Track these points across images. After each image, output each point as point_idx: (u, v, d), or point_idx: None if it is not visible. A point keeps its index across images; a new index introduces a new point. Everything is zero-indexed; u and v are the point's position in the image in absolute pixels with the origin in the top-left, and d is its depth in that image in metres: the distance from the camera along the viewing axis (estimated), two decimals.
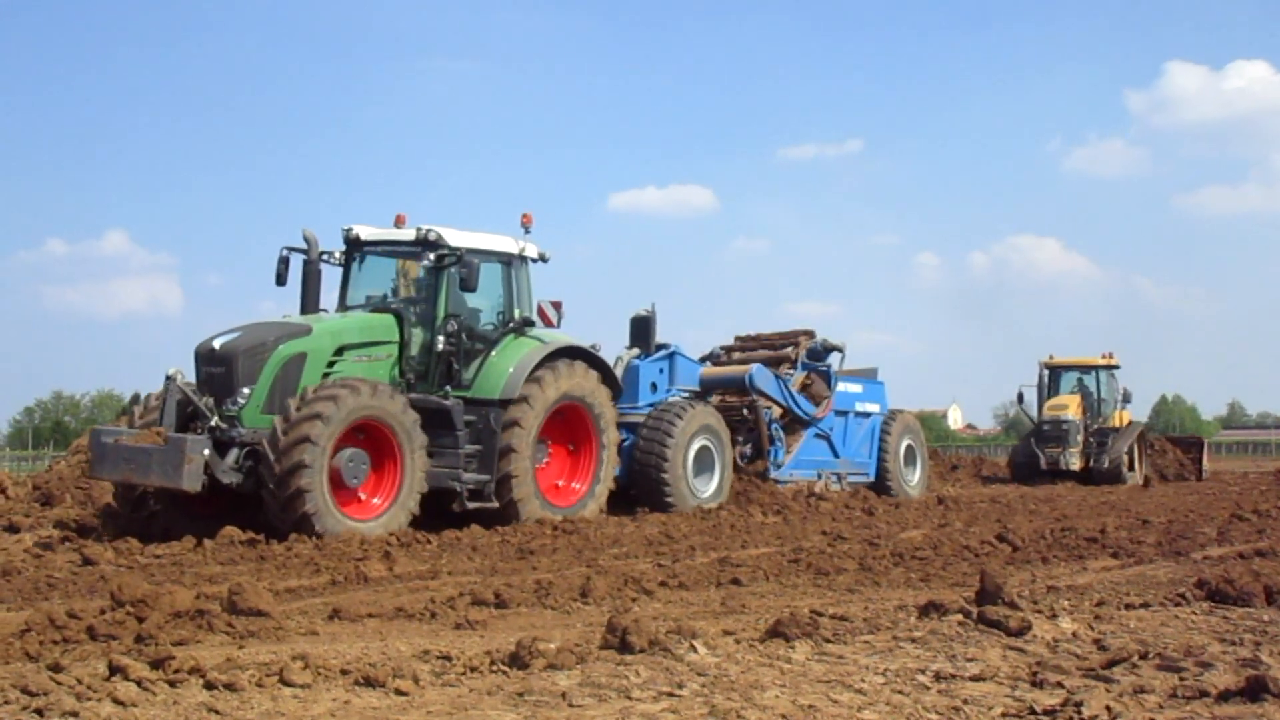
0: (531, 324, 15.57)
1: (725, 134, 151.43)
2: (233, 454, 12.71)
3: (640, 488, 17.24)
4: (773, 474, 19.46)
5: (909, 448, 22.58)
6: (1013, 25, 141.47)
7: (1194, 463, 31.10)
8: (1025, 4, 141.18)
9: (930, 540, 12.64)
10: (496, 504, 14.52)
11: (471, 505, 14.36)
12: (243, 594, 7.89)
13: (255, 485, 12.71)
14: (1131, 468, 28.77)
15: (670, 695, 5.03)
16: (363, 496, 13.34)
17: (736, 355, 21.96)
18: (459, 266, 14.40)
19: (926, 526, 14.83)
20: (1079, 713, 4.64)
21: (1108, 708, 4.68)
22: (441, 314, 14.66)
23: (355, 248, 15.44)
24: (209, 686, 5.20)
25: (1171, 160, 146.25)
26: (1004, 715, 4.69)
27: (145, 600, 7.75)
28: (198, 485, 12.26)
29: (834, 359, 21.45)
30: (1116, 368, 30.99)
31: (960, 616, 6.69)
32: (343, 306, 15.36)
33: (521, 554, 11.91)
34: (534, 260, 16.07)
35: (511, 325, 15.41)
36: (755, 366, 19.72)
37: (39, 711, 4.71)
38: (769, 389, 19.67)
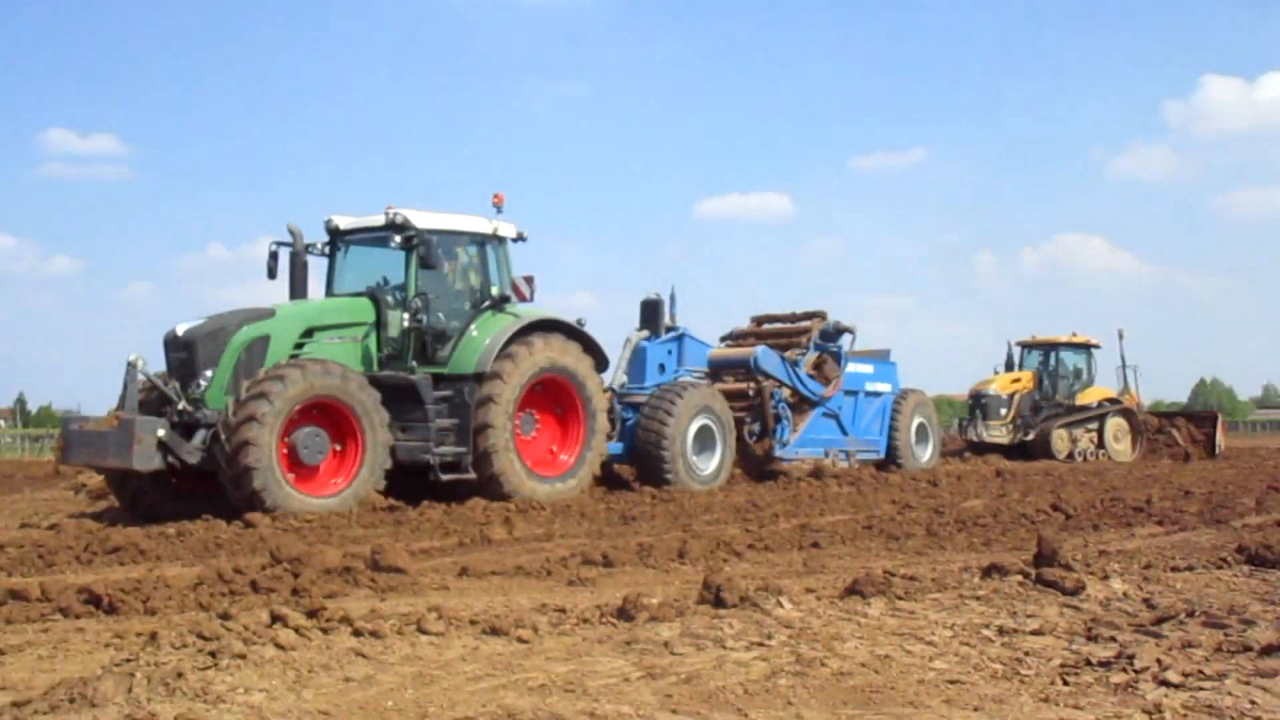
0: (508, 300, 14.50)
1: (801, 145, 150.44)
2: (199, 435, 11.99)
3: (640, 465, 16.34)
4: (778, 452, 18.42)
5: (921, 425, 21.33)
6: (1059, 44, 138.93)
7: (1206, 438, 27.76)
8: (1071, 24, 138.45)
9: (990, 509, 12.46)
10: (474, 476, 13.59)
11: (446, 477, 13.51)
12: (384, 553, 7.99)
13: (215, 464, 11.93)
14: (1077, 442, 26.89)
15: (760, 645, 5.01)
16: (320, 476, 12.41)
17: (752, 337, 20.81)
18: (419, 246, 13.56)
19: (986, 496, 14.61)
20: (1131, 664, 4.55)
21: (1158, 660, 4.58)
22: (411, 293, 13.71)
23: (337, 237, 14.58)
24: (356, 634, 5.27)
25: (1207, 165, 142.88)
26: (1062, 666, 4.61)
27: (300, 558, 7.91)
28: (150, 465, 11.66)
29: (845, 340, 20.14)
30: (1095, 347, 28.96)
31: (1020, 577, 6.59)
32: (329, 294, 14.49)
33: (624, 520, 11.94)
34: (514, 240, 15.00)
35: (488, 303, 14.42)
36: (760, 349, 18.60)
37: (212, 654, 4.80)
38: (774, 370, 18.54)
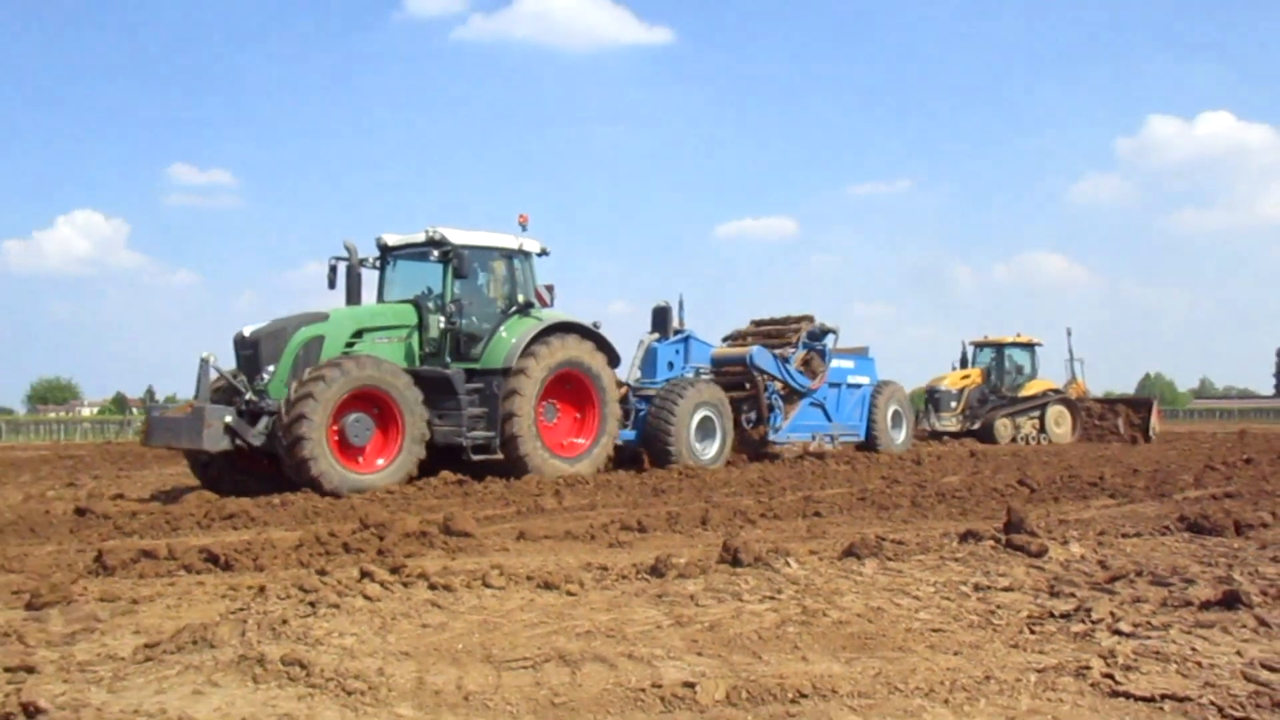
0: (532, 305, 14.33)
1: (805, 176, 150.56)
2: (263, 421, 11.92)
3: (650, 449, 16.03)
4: (772, 436, 18.14)
5: (896, 412, 20.91)
6: (1026, 89, 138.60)
7: (1143, 422, 26.67)
8: (1035, 72, 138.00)
9: (966, 484, 12.34)
10: (501, 456, 13.46)
11: (477, 458, 13.33)
12: (454, 520, 8.01)
13: (275, 445, 11.85)
14: (1020, 429, 26.25)
15: (771, 598, 4.99)
16: (367, 455, 12.29)
17: (750, 336, 20.42)
18: (453, 258, 13.42)
19: (962, 474, 14.48)
20: (1089, 616, 4.49)
21: (1111, 613, 4.53)
22: (447, 299, 13.58)
23: (386, 253, 14.40)
24: (432, 587, 5.29)
25: (1153, 191, 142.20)
26: (1029, 617, 4.57)
27: (384, 524, 7.94)
28: (218, 446, 11.66)
29: (829, 339, 19.76)
30: (1036, 345, 28.15)
31: (992, 542, 6.53)
32: (380, 301, 14.28)
33: (656, 493, 11.90)
34: (538, 254, 14.82)
35: (514, 308, 14.21)
36: (755, 348, 18.30)
37: (311, 604, 4.83)
38: (767, 366, 18.24)
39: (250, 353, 12.35)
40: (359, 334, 13.00)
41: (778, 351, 18.83)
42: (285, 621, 4.47)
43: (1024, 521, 6.90)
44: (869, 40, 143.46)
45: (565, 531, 8.33)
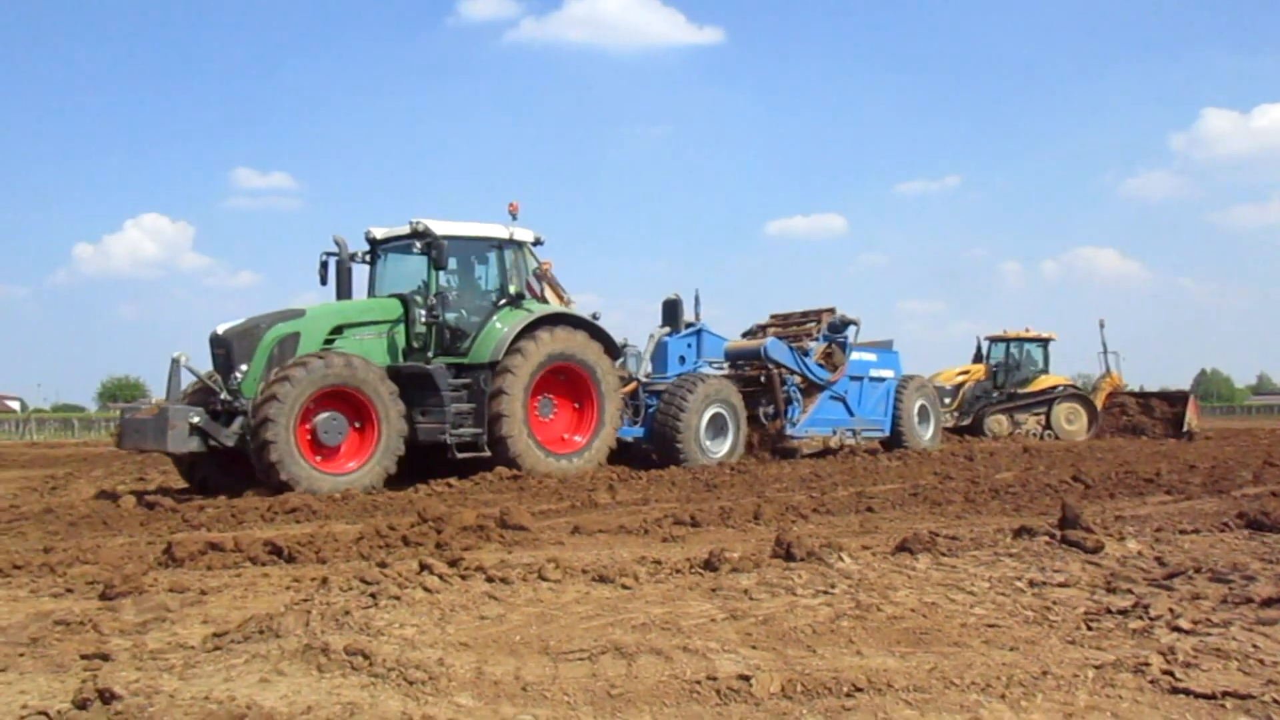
0: (524, 297, 13.75)
1: (854, 172, 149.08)
2: (237, 421, 11.47)
3: (657, 447, 15.27)
4: (789, 430, 17.14)
5: (922, 407, 19.81)
6: (1077, 82, 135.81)
7: (1176, 417, 25.41)
8: (1086, 64, 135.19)
9: (1019, 480, 12.17)
10: (488, 453, 12.89)
11: (462, 455, 12.78)
12: (510, 514, 8.05)
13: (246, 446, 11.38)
14: (1019, 425, 25.62)
15: (825, 593, 4.96)
16: (343, 456, 11.79)
17: (772, 330, 19.67)
18: (432, 250, 12.87)
19: (1016, 469, 14.26)
20: (1147, 613, 4.42)
21: (1170, 610, 4.45)
22: (431, 292, 13.00)
23: (375, 246, 13.87)
24: (489, 580, 5.32)
25: (1207, 185, 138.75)
26: (1086, 614, 4.49)
27: (442, 518, 8.01)
28: (184, 448, 11.28)
29: (850, 331, 18.72)
30: (1049, 340, 27.39)
31: (1046, 538, 6.43)
32: (370, 296, 13.77)
33: (708, 488, 11.88)
34: (533, 244, 14.19)
35: (504, 300, 13.60)
36: (769, 340, 17.42)
37: (373, 595, 4.89)
38: (782, 358, 17.30)
39: (222, 352, 11.97)
40: (339, 330, 12.55)
41: (797, 344, 18.20)
42: (348, 612, 4.53)
43: (1079, 517, 6.80)
44: (918, 36, 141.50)
45: (619, 526, 8.35)
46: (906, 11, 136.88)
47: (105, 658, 4.12)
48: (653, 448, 15.44)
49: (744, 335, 19.66)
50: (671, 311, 17.37)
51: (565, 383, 13.99)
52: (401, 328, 13.02)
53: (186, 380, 11.95)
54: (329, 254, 13.74)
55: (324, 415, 11.57)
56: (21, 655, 4.22)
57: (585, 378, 13.93)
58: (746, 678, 3.63)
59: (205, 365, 12.17)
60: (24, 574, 6.43)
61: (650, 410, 15.59)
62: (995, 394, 26.58)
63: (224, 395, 11.67)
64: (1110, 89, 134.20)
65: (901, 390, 19.67)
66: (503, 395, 12.94)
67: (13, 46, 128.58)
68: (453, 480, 12.25)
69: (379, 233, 13.80)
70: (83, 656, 4.17)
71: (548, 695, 3.58)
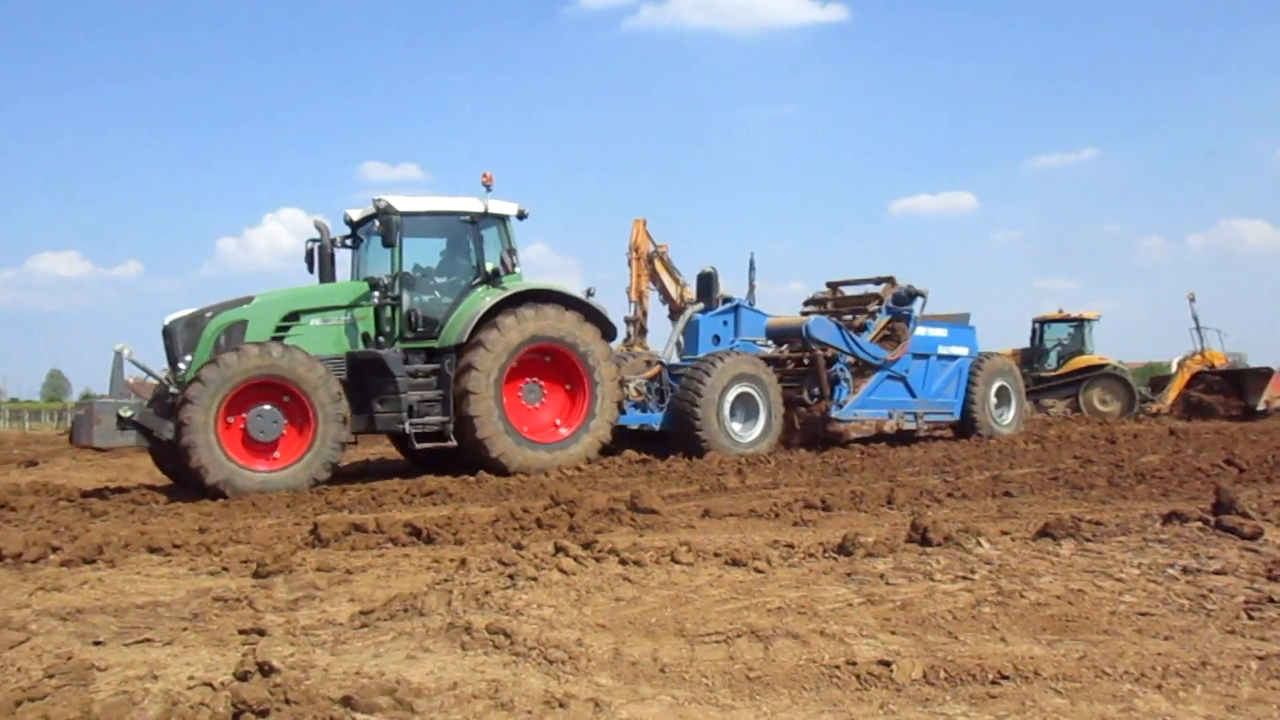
0: (500, 274, 12.53)
1: (984, 148, 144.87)
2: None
3: (678, 433, 13.94)
4: (835, 413, 15.37)
5: (1002, 388, 17.65)
6: (1220, 44, 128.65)
7: (1255, 393, 23.74)
8: (1228, 24, 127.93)
9: (1167, 464, 11.63)
10: (454, 443, 11.96)
11: (423, 446, 11.86)
12: (641, 497, 8.08)
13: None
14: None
15: (964, 578, 4.83)
16: (278, 452, 10.96)
17: (828, 302, 17.68)
18: (378, 226, 11.96)
19: (1162, 453, 13.64)
20: None
21: None
22: (394, 272, 12.15)
23: (354, 229, 13.13)
24: (623, 563, 5.35)
25: None
26: (1246, 602, 4.27)
27: (574, 501, 8.10)
28: (111, 443, 10.84)
29: (916, 304, 16.78)
30: (1088, 320, 26.25)
31: (1199, 524, 6.12)
32: (354, 279, 12.92)
33: (838, 472, 11.73)
34: (516, 217, 13.00)
35: (478, 279, 12.59)
36: (813, 318, 15.47)
37: (510, 576, 4.97)
38: (828, 337, 15.46)
39: (169, 342, 11.52)
40: (293, 316, 11.76)
41: (854, 319, 16.75)
42: (487, 592, 4.62)
43: (1235, 502, 6.45)
44: (1050, 2, 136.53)
45: (749, 510, 8.31)
46: None
47: (261, 633, 4.30)
48: (673, 436, 14.14)
49: (806, 306, 18.08)
50: (706, 286, 16.25)
51: (556, 367, 12.90)
52: (370, 313, 12.21)
53: (131, 373, 11.43)
54: (313, 240, 13.19)
55: (256, 410, 10.88)
56: (185, 630, 4.45)
57: (576, 362, 12.78)
58: (887, 663, 3.57)
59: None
60: (183, 552, 6.78)
61: (672, 395, 14.47)
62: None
63: (172, 388, 11.16)
64: (1260, 48, 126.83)
65: (976, 370, 17.52)
66: (471, 371, 11.95)
67: (165, 67, 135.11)
68: (648, 456, 12.12)
69: (356, 215, 13.11)
70: (240, 631, 4.36)
71: (685, 677, 3.59)
